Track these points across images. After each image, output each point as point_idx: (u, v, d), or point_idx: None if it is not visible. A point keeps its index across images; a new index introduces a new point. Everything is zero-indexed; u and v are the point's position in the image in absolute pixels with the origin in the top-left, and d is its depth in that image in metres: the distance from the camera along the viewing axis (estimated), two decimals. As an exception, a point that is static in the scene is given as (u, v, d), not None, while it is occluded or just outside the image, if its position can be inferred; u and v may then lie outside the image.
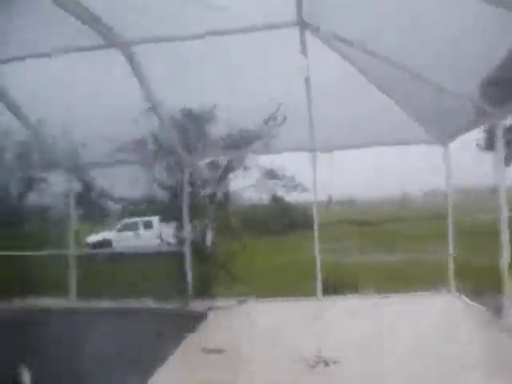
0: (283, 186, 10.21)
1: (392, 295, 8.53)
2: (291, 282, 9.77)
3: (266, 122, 9.37)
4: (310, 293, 8.49)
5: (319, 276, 8.36)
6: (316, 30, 6.35)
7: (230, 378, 5.08)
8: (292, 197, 16.72)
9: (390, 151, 9.10)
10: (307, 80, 7.19)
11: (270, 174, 10.10)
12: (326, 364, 5.24)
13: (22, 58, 6.94)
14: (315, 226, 8.43)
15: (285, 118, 8.94)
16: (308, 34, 6.51)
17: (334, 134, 8.04)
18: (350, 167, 13.25)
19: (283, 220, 19.88)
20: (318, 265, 8.31)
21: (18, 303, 9.33)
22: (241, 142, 9.55)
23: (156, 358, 5.68)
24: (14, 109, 8.16)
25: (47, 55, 6.86)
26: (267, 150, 9.36)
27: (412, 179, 16.12)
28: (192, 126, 9.51)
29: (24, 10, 5.85)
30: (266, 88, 7.51)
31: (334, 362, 5.26)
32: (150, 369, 5.34)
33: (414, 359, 5.32)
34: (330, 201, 19.82)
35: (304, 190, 10.48)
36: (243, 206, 15.14)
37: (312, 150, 8.49)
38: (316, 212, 8.53)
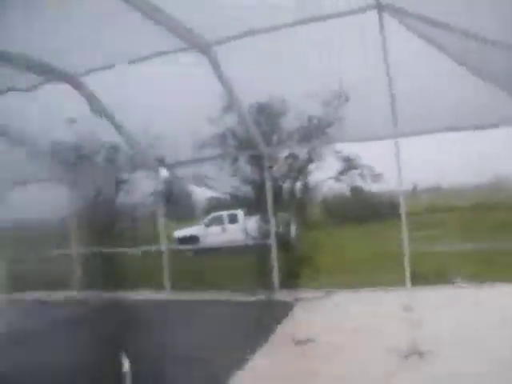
0: (363, 175, 9.98)
1: (484, 284, 8.12)
2: (378, 272, 9.59)
3: (328, 102, 9.21)
4: (397, 283, 8.28)
5: (408, 265, 8.11)
6: (394, 11, 6.15)
7: (321, 369, 5.10)
8: (374, 186, 16.39)
9: (476, 135, 8.58)
10: (387, 63, 6.99)
11: (349, 164, 9.92)
12: (420, 355, 5.12)
13: (110, 66, 7.47)
14: (402, 215, 8.18)
15: (347, 98, 8.76)
16: (386, 15, 6.33)
17: (415, 118, 7.72)
18: (434, 152, 12.73)
19: (367, 209, 19.52)
20: (407, 254, 8.07)
21: (117, 296, 10.03)
22: (315, 132, 9.49)
23: (248, 348, 5.85)
24: (106, 112, 8.75)
25: (133, 61, 7.32)
26: (343, 137, 9.18)
27: (502, 164, 15.13)
28: (267, 119, 9.61)
29: (110, 21, 6.23)
30: (343, 74, 7.44)
31: (428, 354, 5.13)
32: (243, 358, 5.53)
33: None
34: (415, 188, 19.19)
35: (382, 178, 10.23)
36: (325, 197, 15.06)
37: (394, 136, 8.21)
38: (403, 200, 8.29)
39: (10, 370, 5.70)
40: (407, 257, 8.03)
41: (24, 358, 6.43)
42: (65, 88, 7.99)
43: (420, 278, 8.41)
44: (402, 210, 8.16)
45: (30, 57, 6.92)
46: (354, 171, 9.96)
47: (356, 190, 18.51)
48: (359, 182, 9.76)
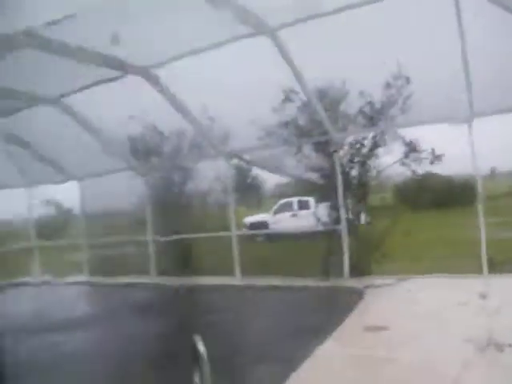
0: (430, 159, 9.63)
1: None
2: (453, 259, 9.30)
3: (386, 87, 8.96)
4: (473, 270, 8.00)
5: (484, 252, 7.79)
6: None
7: (394, 356, 5.06)
8: (447, 170, 15.70)
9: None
10: (463, 42, 6.68)
11: (415, 149, 9.61)
12: (499, 348, 4.91)
13: (179, 57, 7.71)
14: (479, 200, 7.86)
15: (408, 80, 8.47)
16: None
17: (492, 96, 7.30)
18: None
19: (441, 194, 18.84)
20: (483, 240, 7.75)
21: (191, 281, 10.46)
22: (380, 115, 9.27)
23: (319, 333, 5.91)
24: (175, 102, 9.04)
25: (201, 51, 7.49)
26: (411, 121, 8.90)
27: None
28: (331, 104, 9.51)
29: (178, 11, 6.41)
30: (412, 54, 7.22)
31: (510, 346, 4.92)
32: (316, 343, 5.60)
33: None
34: (494, 172, 18.24)
35: (448, 161, 9.82)
36: (396, 182, 14.71)
37: (469, 118, 7.84)
38: (480, 185, 7.96)
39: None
40: (484, 243, 7.73)
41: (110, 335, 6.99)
42: (137, 80, 8.32)
43: (497, 266, 8.08)
44: (479, 195, 7.85)
45: (104, 52, 7.30)
46: (419, 155, 9.60)
47: (429, 175, 17.89)
48: (427, 167, 9.39)
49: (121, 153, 11.16)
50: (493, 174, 18.61)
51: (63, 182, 12.51)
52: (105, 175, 11.71)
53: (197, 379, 4.07)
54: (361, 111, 9.27)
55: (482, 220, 7.77)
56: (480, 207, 7.79)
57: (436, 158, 9.55)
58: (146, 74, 8.35)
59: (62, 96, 9.18)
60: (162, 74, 8.44)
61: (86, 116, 9.88)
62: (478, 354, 4.84)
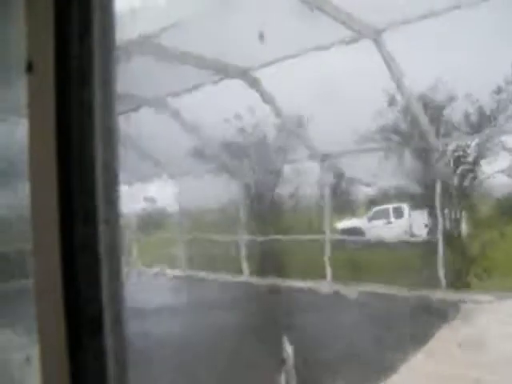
0: None
1: None
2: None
3: (497, 91, 8.40)
4: None
5: None
6: None
7: (486, 378, 4.89)
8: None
9: None
10: None
11: None
12: None
13: (275, 61, 7.90)
14: None
15: None
16: None
17: None
18: None
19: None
20: None
21: (280, 282, 10.70)
22: (485, 122, 8.79)
23: (411, 345, 5.86)
24: (275, 105, 9.27)
25: (299, 55, 7.63)
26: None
27: None
28: (434, 109, 9.20)
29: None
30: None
31: None
32: (405, 355, 5.58)
33: None
34: None
35: None
36: (499, 194, 13.80)
37: None
38: None
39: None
40: None
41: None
42: (238, 83, 8.64)
43: None
44: None
45: (206, 56, 7.73)
46: None
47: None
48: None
49: (216, 154, 11.59)
50: None
51: (162, 180, 13.28)
52: (199, 176, 12.24)
53: (282, 379, 4.28)
54: (467, 117, 8.88)
55: None
56: None
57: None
58: (248, 76, 8.61)
59: (167, 97, 9.72)
60: (263, 75, 8.65)
61: (187, 118, 10.32)
62: None
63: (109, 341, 0.75)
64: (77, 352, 0.74)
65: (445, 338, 6.37)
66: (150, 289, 11.52)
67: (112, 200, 0.76)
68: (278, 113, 9.50)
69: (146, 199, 20.24)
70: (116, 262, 0.77)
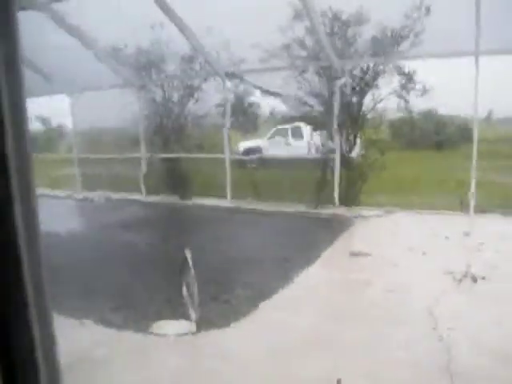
0: (423, 95, 9.60)
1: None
2: (442, 197, 9.45)
3: (408, 15, 8.62)
4: (461, 209, 8.19)
5: (473, 192, 7.88)
6: None
7: (374, 280, 5.34)
8: (447, 109, 15.55)
9: None
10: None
11: (410, 82, 9.55)
12: (474, 279, 5.17)
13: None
14: (474, 141, 7.84)
15: (429, 10, 8.12)
16: None
17: (501, 33, 6.99)
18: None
19: (436, 134, 18.79)
20: (474, 181, 7.83)
21: (184, 201, 10.64)
22: (389, 46, 8.98)
23: (308, 256, 6.20)
24: (178, 21, 8.67)
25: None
26: (417, 53, 8.64)
27: None
28: (340, 29, 9.17)
29: None
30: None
31: (483, 278, 5.18)
32: (303, 265, 5.88)
33: None
34: (490, 115, 18.08)
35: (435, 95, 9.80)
36: (393, 119, 14.58)
37: (474, 54, 7.51)
38: (476, 127, 7.93)
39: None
40: (473, 184, 7.83)
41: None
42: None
43: (485, 207, 8.25)
44: (474, 137, 7.83)
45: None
46: (412, 87, 9.56)
47: (426, 113, 17.78)
48: (423, 104, 9.37)
49: (115, 65, 10.68)
50: (489, 118, 18.44)
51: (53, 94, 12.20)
52: (99, 90, 11.36)
53: (184, 289, 4.28)
54: (373, 40, 8.95)
55: (474, 161, 7.81)
56: (474, 149, 7.79)
57: (426, 91, 9.56)
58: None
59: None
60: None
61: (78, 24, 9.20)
62: (454, 285, 5.11)
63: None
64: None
65: (338, 248, 6.82)
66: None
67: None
68: (182, 28, 8.82)
69: (37, 118, 18.52)
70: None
